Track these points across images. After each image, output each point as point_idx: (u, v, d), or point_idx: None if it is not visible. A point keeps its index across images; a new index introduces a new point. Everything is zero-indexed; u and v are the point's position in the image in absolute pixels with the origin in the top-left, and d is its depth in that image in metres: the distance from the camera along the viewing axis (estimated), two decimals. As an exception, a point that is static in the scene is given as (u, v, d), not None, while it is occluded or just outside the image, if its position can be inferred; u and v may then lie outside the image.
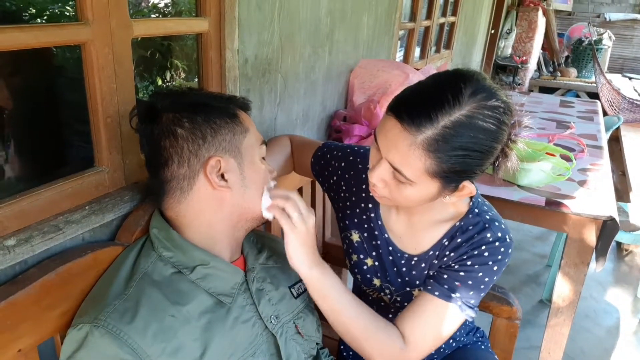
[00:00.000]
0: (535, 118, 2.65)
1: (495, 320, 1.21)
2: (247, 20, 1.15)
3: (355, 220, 0.99)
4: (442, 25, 3.33)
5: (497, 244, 0.85)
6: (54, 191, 0.81)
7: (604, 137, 2.34)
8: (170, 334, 0.69)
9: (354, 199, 0.99)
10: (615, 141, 3.97)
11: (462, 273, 0.85)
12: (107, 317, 0.67)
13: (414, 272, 0.94)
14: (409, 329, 0.85)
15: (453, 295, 0.84)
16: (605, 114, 3.77)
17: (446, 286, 0.85)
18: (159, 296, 0.72)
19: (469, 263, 0.85)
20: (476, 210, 0.89)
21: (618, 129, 3.99)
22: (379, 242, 0.97)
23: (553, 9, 6.03)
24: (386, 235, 0.96)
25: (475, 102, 0.69)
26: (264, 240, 0.95)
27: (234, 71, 1.13)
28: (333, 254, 1.52)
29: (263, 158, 0.85)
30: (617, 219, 1.43)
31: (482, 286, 0.86)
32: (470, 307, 0.86)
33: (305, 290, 0.96)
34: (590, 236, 1.46)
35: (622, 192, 3.33)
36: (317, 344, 0.97)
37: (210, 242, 0.79)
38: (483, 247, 0.85)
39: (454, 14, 3.52)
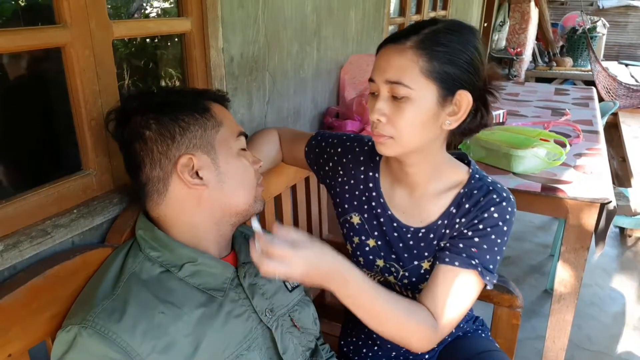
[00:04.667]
0: (530, 107, 2.65)
1: (496, 309, 1.20)
2: (231, 18, 1.15)
3: (355, 202, 1.00)
4: (433, 20, 3.32)
5: (504, 203, 0.88)
6: (40, 196, 0.80)
7: (600, 122, 2.33)
8: (160, 331, 0.68)
9: (352, 181, 1.01)
10: (614, 128, 3.96)
11: (476, 239, 0.88)
12: (95, 317, 0.66)
13: (422, 244, 0.95)
14: (436, 305, 0.87)
15: (472, 261, 0.87)
16: (601, 100, 3.76)
17: (464, 254, 0.87)
18: (148, 295, 0.71)
19: (480, 227, 0.88)
20: (477, 176, 0.93)
21: (616, 115, 3.98)
22: (382, 220, 0.98)
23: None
24: (389, 212, 0.97)
25: (448, 24, 0.83)
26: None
27: (219, 70, 1.13)
28: (331, 251, 1.51)
29: (243, 149, 0.84)
30: (614, 201, 1.42)
31: (496, 248, 0.88)
32: (490, 272, 0.88)
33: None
34: (589, 220, 1.45)
35: (623, 178, 3.31)
36: (317, 338, 0.96)
37: (196, 240, 0.79)
38: (492, 209, 0.88)
39: (444, 7, 3.52)
